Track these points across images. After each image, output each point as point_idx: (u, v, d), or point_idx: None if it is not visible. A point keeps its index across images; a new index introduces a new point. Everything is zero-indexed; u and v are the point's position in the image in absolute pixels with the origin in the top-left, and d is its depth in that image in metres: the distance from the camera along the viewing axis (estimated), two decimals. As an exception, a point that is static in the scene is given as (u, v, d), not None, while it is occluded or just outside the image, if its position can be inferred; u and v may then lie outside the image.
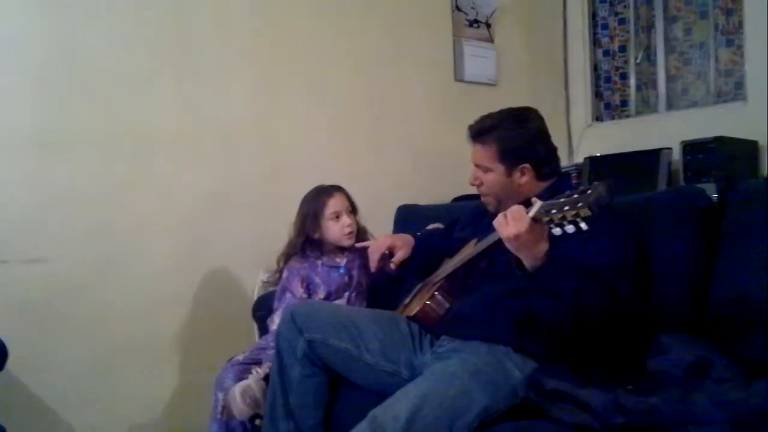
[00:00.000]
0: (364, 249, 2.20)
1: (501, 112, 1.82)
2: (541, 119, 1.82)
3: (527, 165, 1.76)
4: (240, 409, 1.95)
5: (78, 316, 2.44)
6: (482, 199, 1.88)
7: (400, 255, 2.05)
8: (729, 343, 1.58)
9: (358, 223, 2.26)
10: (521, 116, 1.80)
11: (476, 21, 3.67)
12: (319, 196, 2.24)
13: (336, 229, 2.20)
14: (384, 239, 2.11)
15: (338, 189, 2.25)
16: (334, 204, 2.21)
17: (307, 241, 2.23)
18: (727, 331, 1.64)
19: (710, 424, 1.22)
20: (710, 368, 1.39)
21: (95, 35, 2.50)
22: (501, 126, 1.78)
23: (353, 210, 2.25)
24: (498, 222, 1.47)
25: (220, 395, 2.07)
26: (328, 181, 2.31)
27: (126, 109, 2.56)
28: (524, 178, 1.77)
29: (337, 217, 2.20)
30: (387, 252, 2.07)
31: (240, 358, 2.15)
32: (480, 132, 1.80)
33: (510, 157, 1.76)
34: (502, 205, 1.77)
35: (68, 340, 2.42)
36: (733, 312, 1.66)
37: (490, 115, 1.82)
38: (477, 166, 1.83)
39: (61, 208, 2.43)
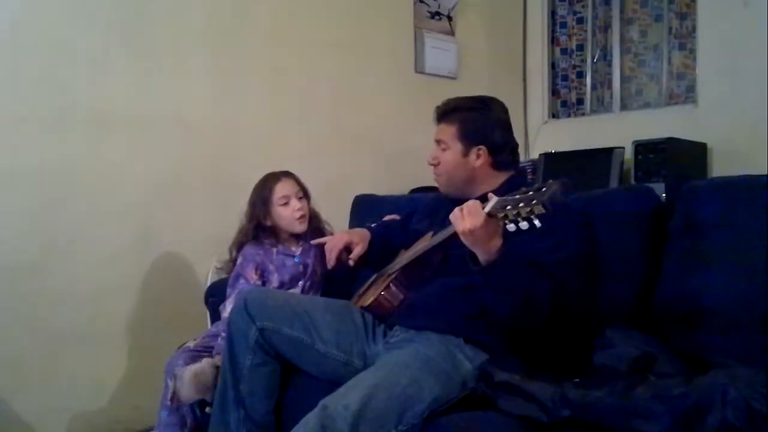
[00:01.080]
0: (322, 236, 2.21)
1: (468, 96, 1.89)
2: (505, 110, 1.88)
3: (483, 147, 1.80)
4: (188, 392, 1.92)
5: (22, 301, 2.37)
6: (435, 179, 1.91)
7: (357, 251, 2.04)
8: (672, 338, 1.63)
9: (312, 209, 2.25)
10: (486, 102, 1.87)
11: (438, 13, 3.69)
12: (267, 182, 2.23)
13: (286, 214, 2.19)
14: (341, 236, 2.10)
15: (287, 174, 2.24)
16: (281, 189, 2.20)
17: (259, 227, 2.21)
18: (671, 327, 1.69)
19: (652, 417, 1.25)
20: (654, 363, 1.43)
21: (46, 9, 2.42)
22: (465, 107, 1.85)
23: (305, 195, 2.24)
24: (454, 216, 1.49)
25: (170, 382, 2.03)
26: (283, 168, 2.30)
27: (76, 87, 2.49)
28: (479, 161, 1.80)
29: (287, 202, 2.19)
30: (344, 248, 2.06)
31: (191, 345, 2.12)
32: (445, 112, 1.87)
33: (468, 137, 1.81)
34: (452, 188, 1.85)
35: (11, 324, 2.36)
36: (677, 309, 1.71)
37: (456, 98, 1.89)
38: (437, 143, 1.87)
39: (7, 186, 2.35)
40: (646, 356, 1.46)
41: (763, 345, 1.52)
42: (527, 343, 1.60)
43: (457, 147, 1.82)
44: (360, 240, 2.06)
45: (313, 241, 2.19)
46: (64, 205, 2.47)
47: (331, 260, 2.04)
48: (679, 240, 1.80)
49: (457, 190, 1.84)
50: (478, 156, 1.80)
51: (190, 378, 1.92)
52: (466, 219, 1.45)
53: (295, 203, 2.19)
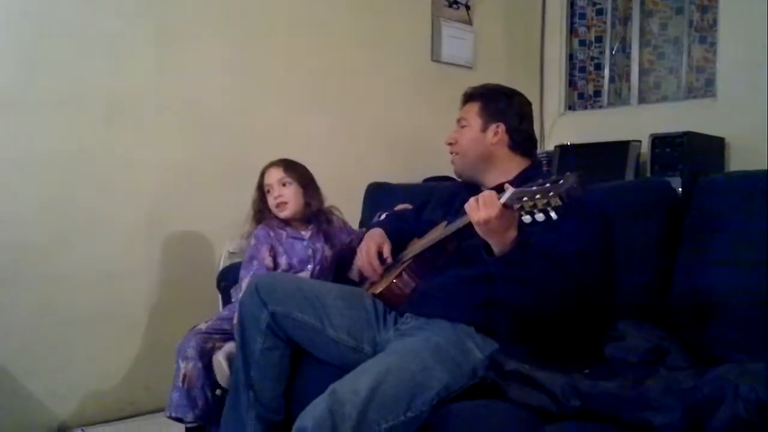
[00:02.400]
0: (328, 223, 2.26)
1: (497, 83, 1.93)
2: (528, 104, 1.92)
3: (502, 125, 1.82)
4: (225, 374, 1.95)
5: (36, 283, 2.40)
6: (451, 160, 1.92)
7: (387, 250, 1.97)
8: (685, 332, 1.62)
9: (309, 196, 2.24)
10: (513, 91, 1.92)
11: (456, 2, 3.67)
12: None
13: (270, 201, 2.23)
14: (368, 247, 1.97)
15: (277, 162, 2.26)
16: (266, 177, 2.24)
17: (263, 212, 2.24)
18: (684, 320, 1.69)
19: (663, 410, 1.25)
20: (666, 356, 1.43)
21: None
22: (492, 89, 1.90)
23: (296, 182, 2.23)
24: (469, 206, 1.48)
25: (182, 364, 2.05)
26: (297, 155, 2.30)
27: (92, 73, 2.51)
28: (496, 138, 1.82)
29: (269, 190, 2.23)
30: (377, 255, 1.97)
31: (202, 327, 2.14)
32: (471, 94, 1.91)
33: (489, 113, 1.84)
34: (467, 167, 1.87)
35: (28, 304, 2.39)
36: (691, 303, 1.71)
37: (485, 84, 1.93)
38: (458, 122, 1.90)
39: (23, 170, 2.37)
40: (658, 349, 1.46)
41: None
42: (539, 333, 1.60)
43: (476, 123, 1.85)
44: (383, 240, 1.99)
45: (350, 276, 2.11)
46: (78, 190, 2.49)
47: (377, 271, 1.94)
48: (694, 234, 1.79)
49: (472, 168, 1.86)
50: (496, 133, 1.82)
51: (225, 360, 1.95)
52: (481, 209, 1.45)
53: (274, 191, 2.21)
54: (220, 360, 1.98)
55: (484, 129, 1.83)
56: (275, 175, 2.24)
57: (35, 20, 2.38)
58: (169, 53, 2.68)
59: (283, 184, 2.22)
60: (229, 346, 1.99)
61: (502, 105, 1.85)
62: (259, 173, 2.27)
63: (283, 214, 2.22)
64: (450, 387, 1.53)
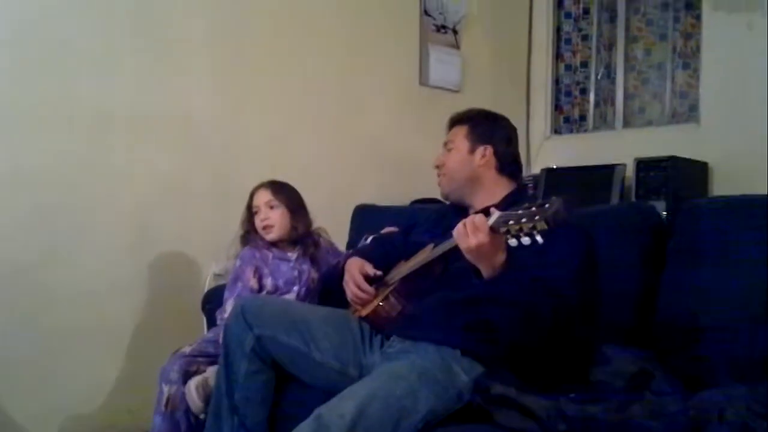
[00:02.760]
0: (315, 245, 2.25)
1: (480, 108, 1.96)
2: (514, 130, 1.94)
3: (489, 147, 1.84)
4: (195, 403, 1.94)
5: (20, 301, 2.36)
6: (438, 183, 1.93)
7: (370, 269, 1.94)
8: (670, 356, 1.63)
9: (294, 219, 2.23)
10: (497, 114, 1.94)
11: (443, 26, 3.70)
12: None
13: (257, 223, 2.23)
14: (351, 276, 1.93)
15: (265, 184, 2.27)
16: (254, 198, 2.25)
17: (252, 233, 2.25)
18: (669, 344, 1.69)
19: (648, 434, 1.25)
20: (651, 380, 1.43)
21: (49, 8, 2.42)
22: (478, 114, 1.93)
23: (283, 205, 2.23)
24: (458, 231, 1.48)
25: (165, 387, 2.03)
26: (286, 176, 2.31)
27: (79, 87, 2.49)
28: (483, 160, 1.84)
29: (257, 212, 2.23)
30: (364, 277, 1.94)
31: (186, 350, 2.11)
32: (458, 118, 1.93)
33: (476, 135, 1.86)
34: (454, 188, 1.88)
35: (8, 324, 2.35)
36: (675, 326, 1.71)
37: (471, 108, 1.96)
38: (445, 145, 1.92)
39: (9, 184, 2.35)
40: (643, 373, 1.46)
41: (759, 364, 1.52)
42: (525, 357, 1.60)
43: (464, 146, 1.86)
44: (361, 263, 1.96)
45: (360, 316, 1.95)
46: (64, 206, 2.46)
47: (370, 291, 1.90)
48: (678, 258, 1.80)
49: (459, 190, 1.87)
50: (483, 155, 1.84)
51: (195, 389, 1.95)
52: (471, 236, 1.44)
53: (261, 214, 2.22)
54: (191, 388, 1.96)
55: (472, 151, 1.85)
56: (263, 197, 2.24)
57: (21, 36, 2.37)
58: (154, 68, 2.67)
59: (271, 207, 2.22)
60: (204, 375, 1.98)
61: (488, 128, 1.88)
62: (249, 193, 2.27)
63: (269, 236, 2.22)
64: (436, 411, 1.52)
